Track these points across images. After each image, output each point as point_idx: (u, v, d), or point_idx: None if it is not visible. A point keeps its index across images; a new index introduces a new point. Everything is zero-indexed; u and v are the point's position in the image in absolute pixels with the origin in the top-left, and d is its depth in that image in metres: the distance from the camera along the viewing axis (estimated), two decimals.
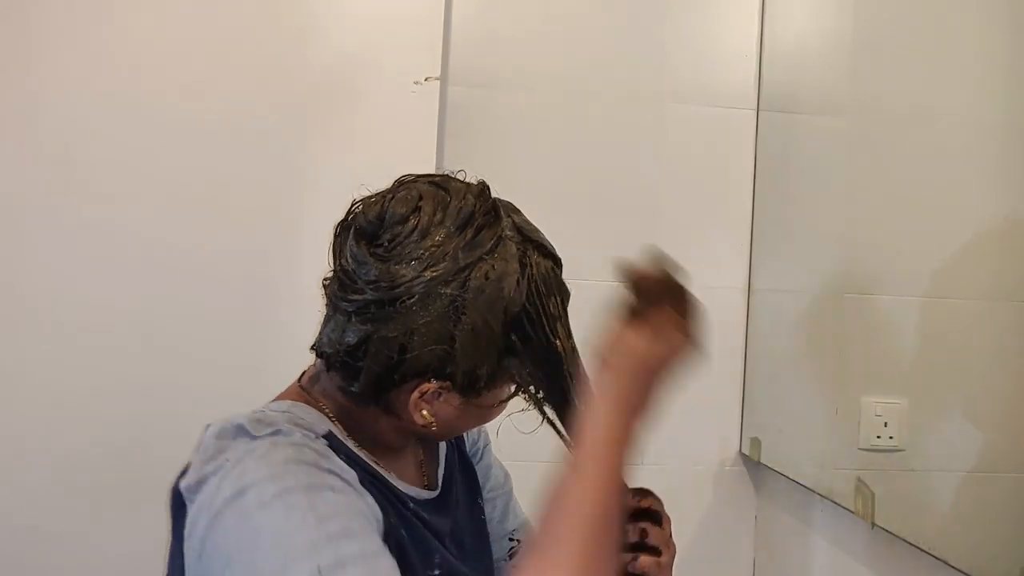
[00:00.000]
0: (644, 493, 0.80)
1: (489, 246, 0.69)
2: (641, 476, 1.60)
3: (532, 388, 0.73)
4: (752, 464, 1.52)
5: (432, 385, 0.70)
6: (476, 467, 0.92)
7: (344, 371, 0.71)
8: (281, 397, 0.76)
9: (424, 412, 0.71)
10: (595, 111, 1.51)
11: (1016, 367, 0.90)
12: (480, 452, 0.94)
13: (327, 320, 0.72)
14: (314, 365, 0.77)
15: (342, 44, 1.31)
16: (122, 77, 1.26)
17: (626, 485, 0.65)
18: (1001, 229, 0.93)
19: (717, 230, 1.54)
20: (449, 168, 1.51)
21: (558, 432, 0.75)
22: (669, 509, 1.61)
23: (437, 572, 0.74)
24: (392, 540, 0.66)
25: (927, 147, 1.08)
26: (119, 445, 1.24)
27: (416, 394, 0.70)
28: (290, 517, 0.59)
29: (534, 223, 0.75)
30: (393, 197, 0.71)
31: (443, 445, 0.87)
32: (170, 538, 0.68)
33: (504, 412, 0.78)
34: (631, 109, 1.52)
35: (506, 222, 0.71)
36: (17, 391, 1.24)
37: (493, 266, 0.69)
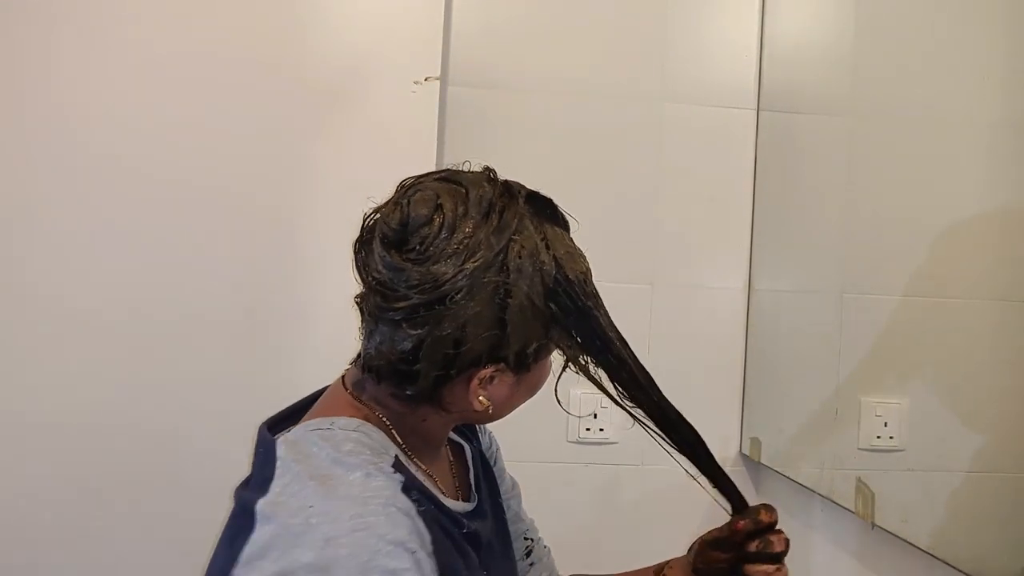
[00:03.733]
0: (769, 509, 0.85)
1: (515, 225, 0.71)
2: (642, 476, 1.62)
3: (576, 353, 0.75)
4: (752, 464, 1.52)
5: (488, 370, 0.71)
6: (494, 469, 0.93)
7: (398, 377, 0.71)
8: (331, 405, 0.75)
9: (481, 398, 0.72)
10: (595, 111, 1.51)
11: (1016, 367, 0.90)
12: (494, 455, 0.95)
13: (370, 334, 0.72)
14: (351, 369, 0.77)
15: (342, 44, 1.31)
16: (121, 76, 1.26)
17: None
18: (1001, 229, 0.93)
19: (717, 230, 1.54)
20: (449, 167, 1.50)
21: (606, 392, 0.77)
22: (669, 509, 1.61)
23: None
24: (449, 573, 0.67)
25: (927, 147, 1.08)
26: (117, 444, 1.24)
27: (476, 382, 0.71)
28: None
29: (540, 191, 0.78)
30: (409, 201, 0.71)
31: (467, 445, 0.88)
32: (221, 537, 0.68)
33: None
34: (631, 109, 1.52)
35: (520, 199, 0.74)
36: (17, 390, 1.24)
37: (523, 244, 0.70)
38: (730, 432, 1.54)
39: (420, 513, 0.67)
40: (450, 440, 0.86)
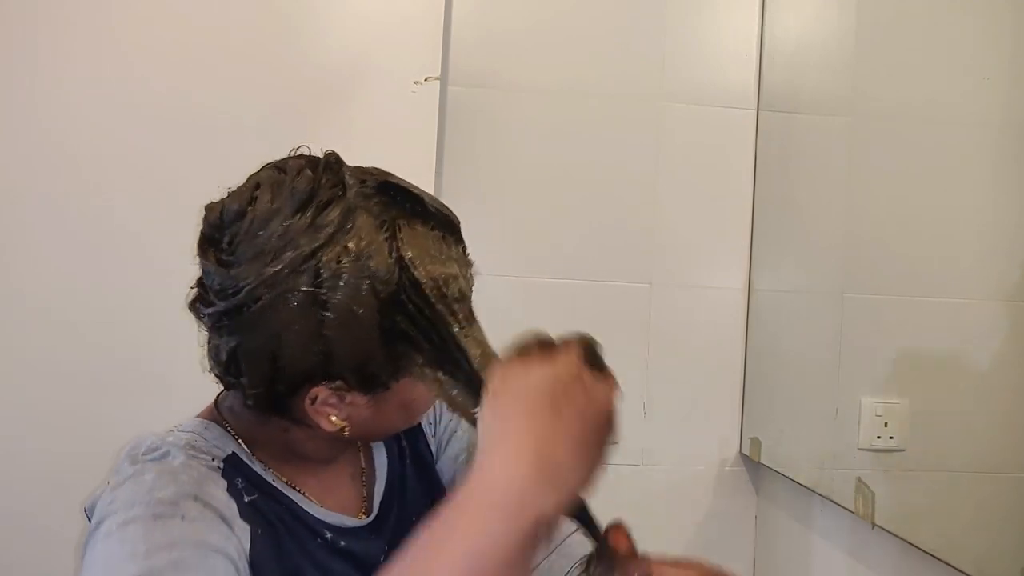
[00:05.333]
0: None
1: (337, 223, 0.59)
2: (642, 476, 1.61)
3: (436, 374, 0.63)
4: (752, 464, 1.52)
5: (322, 389, 0.62)
6: (441, 460, 0.83)
7: (233, 388, 0.65)
8: (199, 416, 0.72)
9: (332, 418, 0.64)
10: (595, 111, 1.51)
11: (1016, 367, 0.90)
12: (446, 442, 0.84)
13: (207, 338, 0.66)
14: None
15: (342, 44, 1.31)
16: (122, 77, 1.26)
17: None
18: (1001, 229, 0.93)
19: (717, 230, 1.54)
20: (449, 168, 1.51)
21: (471, 421, 0.62)
22: (669, 509, 1.61)
23: None
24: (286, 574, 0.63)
25: (927, 147, 1.08)
26: (116, 444, 1.24)
27: (308, 401, 0.63)
28: (122, 548, 0.54)
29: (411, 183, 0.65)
30: (230, 193, 0.65)
31: (384, 454, 0.79)
32: None
33: None
34: (631, 109, 1.52)
35: (357, 191, 0.61)
36: (15, 391, 1.24)
37: (347, 245, 0.59)
38: (730, 432, 1.54)
39: (249, 503, 0.63)
40: (371, 446, 0.79)
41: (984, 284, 0.97)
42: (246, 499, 0.64)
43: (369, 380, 0.62)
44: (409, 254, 0.60)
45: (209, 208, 0.65)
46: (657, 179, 1.53)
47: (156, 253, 1.26)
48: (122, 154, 1.26)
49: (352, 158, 1.28)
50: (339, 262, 0.59)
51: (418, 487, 0.80)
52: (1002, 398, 0.93)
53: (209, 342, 0.65)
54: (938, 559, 0.96)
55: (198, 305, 0.65)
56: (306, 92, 1.29)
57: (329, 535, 0.69)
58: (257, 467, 0.68)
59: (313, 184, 0.61)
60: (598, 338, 0.58)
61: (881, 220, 1.16)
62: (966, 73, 1.01)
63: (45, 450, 1.23)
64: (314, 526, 0.69)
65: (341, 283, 0.58)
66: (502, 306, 1.46)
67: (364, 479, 0.77)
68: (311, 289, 0.58)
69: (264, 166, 0.66)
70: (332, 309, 0.59)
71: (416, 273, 0.60)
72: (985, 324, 0.97)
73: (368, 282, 0.59)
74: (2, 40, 1.25)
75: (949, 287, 1.02)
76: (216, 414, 0.71)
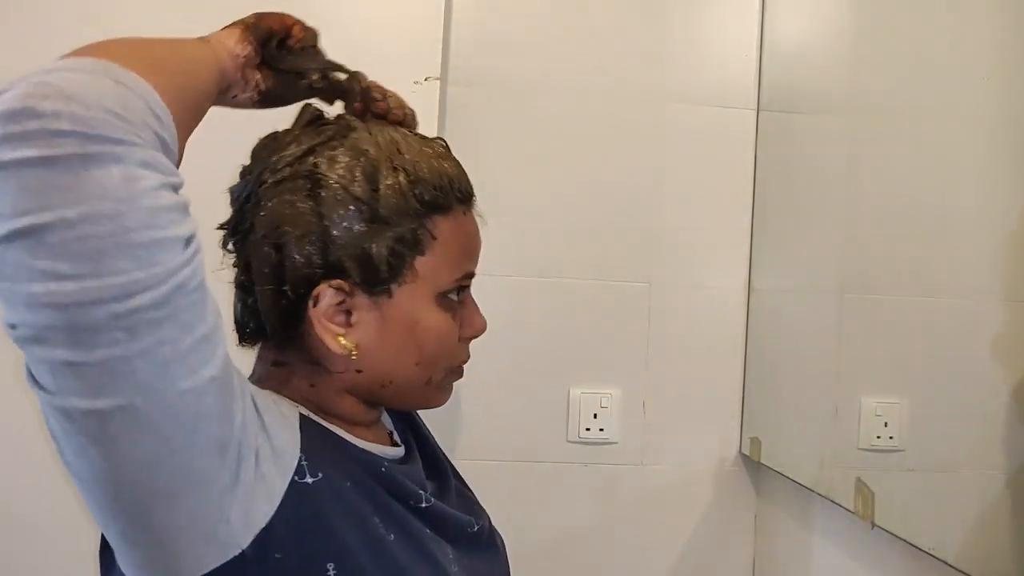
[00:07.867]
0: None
1: (336, 128, 0.69)
2: (642, 476, 1.61)
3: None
4: (752, 464, 1.52)
5: (325, 286, 0.64)
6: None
7: (250, 317, 0.70)
8: None
9: (341, 340, 0.65)
10: (595, 111, 1.51)
11: (1016, 367, 0.90)
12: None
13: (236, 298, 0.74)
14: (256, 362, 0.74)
15: (342, 44, 1.31)
16: None
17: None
18: (1001, 228, 0.93)
19: (717, 230, 1.55)
20: None
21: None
22: (669, 509, 1.61)
23: (426, 505, 0.69)
24: (366, 500, 0.63)
25: (927, 146, 1.08)
26: None
27: (310, 302, 0.64)
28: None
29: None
30: None
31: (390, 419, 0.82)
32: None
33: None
34: (631, 109, 1.52)
35: (359, 121, 0.71)
36: (15, 389, 1.24)
37: (344, 143, 0.68)
38: (730, 432, 1.54)
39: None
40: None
41: (984, 284, 0.97)
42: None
43: (372, 272, 0.65)
44: (396, 139, 0.69)
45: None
46: (657, 179, 1.53)
47: None
48: None
49: None
50: (335, 150, 0.67)
51: (421, 452, 0.82)
52: (1002, 398, 0.93)
53: (235, 296, 0.72)
54: (938, 559, 0.96)
55: (224, 235, 0.71)
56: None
57: (386, 463, 0.69)
58: (321, 420, 0.68)
59: (321, 113, 0.72)
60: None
61: (881, 219, 1.16)
62: (966, 72, 1.01)
63: (45, 450, 1.23)
64: (375, 460, 0.68)
65: (338, 165, 0.65)
66: (501, 306, 1.46)
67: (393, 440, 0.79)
68: (310, 170, 0.65)
69: None
70: (326, 188, 0.64)
71: (405, 157, 0.67)
72: (985, 324, 0.96)
73: (361, 161, 0.66)
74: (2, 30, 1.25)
75: (949, 287, 1.02)
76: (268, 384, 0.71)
